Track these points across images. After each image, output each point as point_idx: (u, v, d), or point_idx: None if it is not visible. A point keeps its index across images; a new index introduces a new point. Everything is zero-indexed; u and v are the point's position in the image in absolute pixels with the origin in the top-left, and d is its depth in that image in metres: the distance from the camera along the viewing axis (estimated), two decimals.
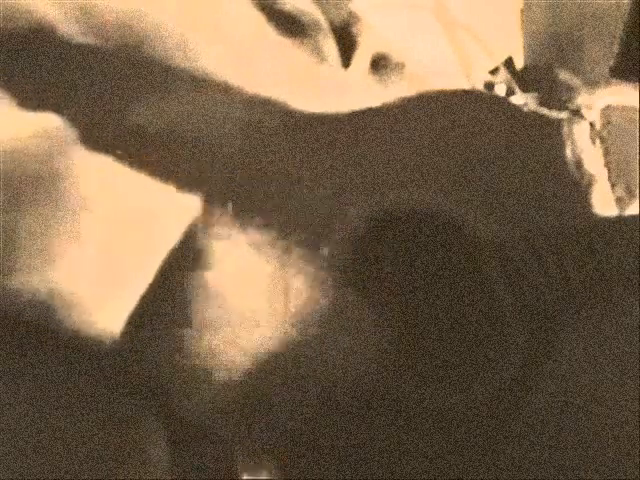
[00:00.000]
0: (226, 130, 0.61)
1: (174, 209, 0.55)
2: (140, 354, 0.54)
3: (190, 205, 0.55)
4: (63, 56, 0.60)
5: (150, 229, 0.54)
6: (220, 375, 0.54)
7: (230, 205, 0.56)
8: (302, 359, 0.55)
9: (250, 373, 0.54)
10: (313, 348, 0.55)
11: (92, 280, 0.53)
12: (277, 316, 0.55)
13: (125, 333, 0.53)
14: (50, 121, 0.55)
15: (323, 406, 0.56)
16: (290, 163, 0.61)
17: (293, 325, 0.55)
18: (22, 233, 0.53)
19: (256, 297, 0.55)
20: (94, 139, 0.56)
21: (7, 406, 0.54)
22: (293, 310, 0.55)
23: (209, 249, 0.55)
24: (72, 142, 0.55)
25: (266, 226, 0.57)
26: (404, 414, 0.57)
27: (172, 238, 0.54)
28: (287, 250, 0.56)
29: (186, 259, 0.54)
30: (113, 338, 0.53)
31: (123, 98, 0.61)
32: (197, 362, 0.54)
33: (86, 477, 0.54)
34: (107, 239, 0.54)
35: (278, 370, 0.55)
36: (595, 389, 0.58)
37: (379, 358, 0.56)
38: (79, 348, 0.54)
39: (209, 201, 0.56)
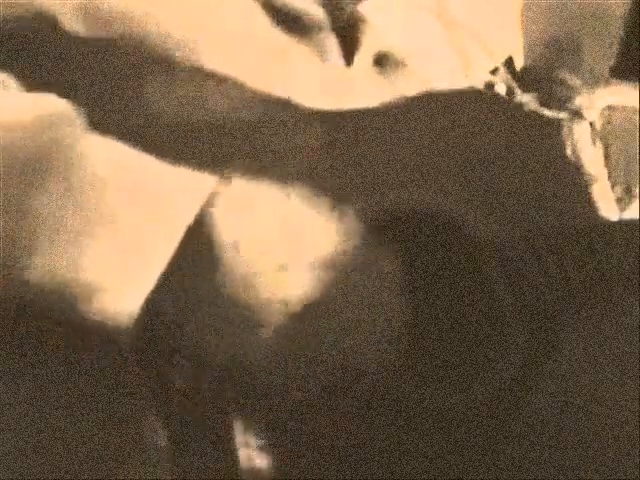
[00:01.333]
0: (227, 129, 0.61)
1: (187, 189, 0.55)
2: (166, 319, 0.54)
3: (203, 184, 0.55)
4: (68, 49, 0.60)
5: (165, 209, 0.54)
6: (217, 374, 0.54)
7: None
8: (301, 357, 0.55)
9: (248, 372, 0.54)
10: (312, 346, 0.55)
11: (111, 264, 0.53)
12: (275, 315, 0.55)
13: (149, 305, 0.53)
14: (62, 105, 0.55)
15: (323, 405, 0.56)
16: (290, 163, 0.61)
17: (291, 321, 0.55)
18: (36, 220, 0.53)
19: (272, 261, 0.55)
20: (105, 130, 0.56)
21: (7, 406, 0.54)
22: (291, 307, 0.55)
23: (224, 221, 0.55)
24: (82, 125, 0.55)
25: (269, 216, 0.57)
26: (404, 414, 0.57)
27: (188, 216, 0.54)
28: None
29: (204, 231, 0.54)
30: (133, 317, 0.53)
31: (122, 99, 0.61)
32: (190, 360, 0.54)
33: (86, 477, 0.54)
34: (122, 222, 0.54)
35: (278, 368, 0.55)
36: (595, 389, 0.58)
37: (379, 358, 0.56)
38: (75, 350, 0.54)
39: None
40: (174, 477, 0.55)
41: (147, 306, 0.53)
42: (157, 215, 0.54)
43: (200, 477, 0.56)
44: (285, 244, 0.55)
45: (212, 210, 0.55)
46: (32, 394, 0.55)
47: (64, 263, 0.53)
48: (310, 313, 0.55)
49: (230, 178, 0.56)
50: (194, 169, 0.56)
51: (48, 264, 0.53)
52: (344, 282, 0.55)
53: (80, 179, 0.54)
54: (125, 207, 0.54)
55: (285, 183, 0.57)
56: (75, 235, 0.53)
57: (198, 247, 0.55)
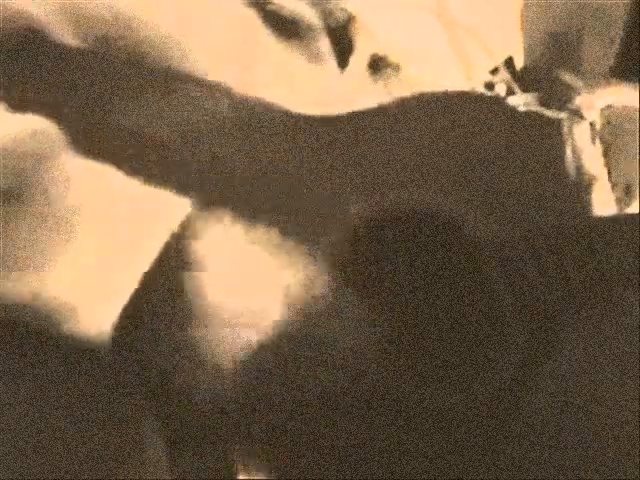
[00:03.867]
0: (226, 130, 0.61)
1: (164, 211, 0.55)
2: (131, 353, 0.55)
3: (180, 207, 0.56)
4: (58, 59, 0.61)
5: (140, 231, 0.55)
6: (216, 373, 0.54)
7: (227, 205, 0.56)
8: (301, 357, 0.55)
9: (248, 372, 0.55)
10: (311, 346, 0.55)
11: (84, 284, 0.54)
12: (275, 314, 0.55)
13: (116, 334, 0.53)
14: (41, 124, 0.55)
15: (323, 406, 0.56)
16: (290, 163, 0.61)
17: (291, 323, 0.55)
18: (15, 237, 0.54)
19: (253, 295, 0.55)
20: (90, 142, 0.56)
21: (7, 406, 0.54)
22: (291, 308, 0.55)
23: (200, 249, 0.55)
24: (63, 145, 0.55)
25: (265, 225, 0.57)
26: (404, 414, 0.57)
27: (161, 240, 0.54)
28: (286, 249, 0.57)
29: (175, 260, 0.54)
30: (104, 340, 0.53)
31: (121, 100, 0.61)
32: (190, 361, 0.54)
33: (86, 477, 0.54)
34: (97, 242, 0.54)
35: (277, 368, 0.55)
36: (595, 389, 0.58)
37: (379, 358, 0.56)
38: (75, 350, 0.54)
39: (204, 202, 0.56)
40: (174, 477, 0.55)
41: (120, 324, 0.54)
42: (131, 235, 0.55)
43: (200, 477, 0.56)
44: (250, 278, 0.55)
45: (185, 234, 0.55)
46: (32, 394, 0.55)
47: (37, 283, 0.53)
48: (275, 348, 0.55)
49: (206, 203, 0.56)
50: (183, 184, 0.56)
51: (23, 283, 0.54)
52: (310, 317, 0.55)
53: (57, 199, 0.54)
54: (100, 227, 0.55)
55: (267, 206, 0.57)
56: (50, 254, 0.54)
57: (168, 271, 0.55)
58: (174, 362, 0.55)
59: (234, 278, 0.55)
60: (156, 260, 0.54)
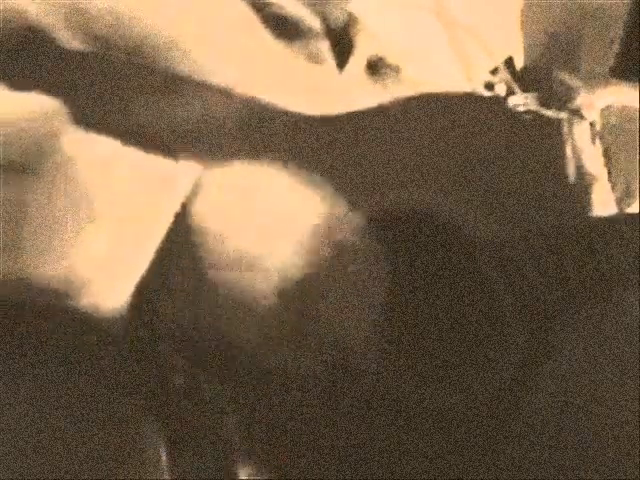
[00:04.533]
0: (226, 130, 0.61)
1: (172, 178, 0.55)
2: (137, 343, 0.55)
3: (188, 172, 0.55)
4: (58, 59, 0.61)
5: (151, 200, 0.55)
6: (238, 314, 0.54)
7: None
8: (301, 356, 0.55)
9: (249, 369, 0.55)
10: (314, 343, 0.55)
11: (99, 257, 0.54)
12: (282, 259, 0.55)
13: (134, 301, 0.53)
14: (49, 103, 0.55)
15: (323, 406, 0.56)
16: (290, 163, 0.61)
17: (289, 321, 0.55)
18: (32, 213, 0.54)
19: (260, 244, 0.55)
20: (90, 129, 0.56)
21: (7, 406, 0.54)
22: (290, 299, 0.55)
23: (207, 217, 0.55)
24: (72, 123, 0.55)
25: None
26: (404, 414, 0.57)
27: (173, 205, 0.54)
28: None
29: (189, 219, 0.54)
30: (121, 312, 0.53)
31: (123, 99, 0.61)
32: (190, 359, 0.54)
33: (86, 477, 0.54)
34: (109, 215, 0.54)
35: (278, 367, 0.55)
36: (595, 389, 0.58)
37: (379, 358, 0.56)
38: (76, 349, 0.54)
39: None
40: (174, 477, 0.55)
41: (137, 296, 0.54)
42: (143, 206, 0.55)
43: (200, 477, 0.56)
44: (272, 229, 0.55)
45: (197, 198, 0.55)
46: (32, 394, 0.55)
47: (53, 259, 0.53)
48: (298, 296, 0.55)
49: (215, 165, 0.56)
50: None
51: (37, 262, 0.54)
52: (333, 266, 0.55)
53: (68, 174, 0.54)
54: (111, 200, 0.55)
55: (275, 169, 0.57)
56: (63, 230, 0.54)
57: (184, 235, 0.55)
58: (174, 362, 0.55)
59: (236, 228, 0.55)
60: (166, 236, 0.54)
